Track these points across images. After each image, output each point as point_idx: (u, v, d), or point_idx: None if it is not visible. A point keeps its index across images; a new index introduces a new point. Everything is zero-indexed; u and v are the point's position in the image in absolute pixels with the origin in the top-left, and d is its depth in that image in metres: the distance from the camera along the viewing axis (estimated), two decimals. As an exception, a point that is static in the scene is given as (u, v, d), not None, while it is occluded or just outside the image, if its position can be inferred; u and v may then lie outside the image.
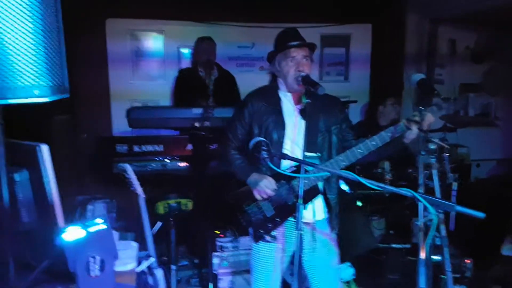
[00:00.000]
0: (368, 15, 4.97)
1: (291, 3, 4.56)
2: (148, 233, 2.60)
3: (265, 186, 2.22)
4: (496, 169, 5.34)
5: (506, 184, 4.09)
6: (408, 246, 3.74)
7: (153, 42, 4.71)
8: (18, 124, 1.74)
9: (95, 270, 1.34)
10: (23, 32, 1.16)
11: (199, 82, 4.23)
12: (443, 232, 1.68)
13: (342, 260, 3.32)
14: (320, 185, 2.30)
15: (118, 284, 1.54)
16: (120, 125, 4.39)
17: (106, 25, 4.48)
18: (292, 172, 2.16)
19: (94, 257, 1.34)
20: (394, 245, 3.73)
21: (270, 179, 2.24)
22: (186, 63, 4.73)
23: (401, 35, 5.11)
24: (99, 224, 1.39)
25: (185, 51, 4.75)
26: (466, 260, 3.56)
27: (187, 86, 4.27)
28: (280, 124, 2.29)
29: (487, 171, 5.30)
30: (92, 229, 1.37)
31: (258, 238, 2.31)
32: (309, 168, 2.11)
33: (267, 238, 2.27)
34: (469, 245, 3.62)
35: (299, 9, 4.58)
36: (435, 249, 1.70)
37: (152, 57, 4.71)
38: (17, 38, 1.17)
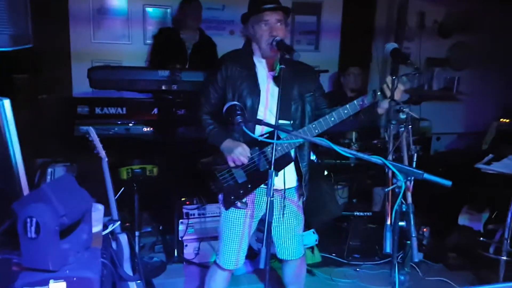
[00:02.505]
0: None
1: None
2: (111, 198, 2.53)
3: (240, 154, 2.19)
4: (456, 143, 5.54)
5: (464, 156, 4.24)
6: (369, 214, 3.85)
7: (117, -1, 4.49)
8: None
9: (31, 231, 1.26)
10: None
11: (178, 44, 4.10)
12: (409, 199, 1.71)
13: (307, 227, 3.40)
14: (292, 152, 2.29)
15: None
16: (81, 86, 4.19)
17: (67, -21, 4.21)
18: (265, 139, 2.14)
19: (30, 218, 1.26)
20: (357, 213, 3.82)
21: (245, 146, 2.20)
22: (151, 23, 4.54)
23: (372, 6, 5.11)
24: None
25: (150, 9, 4.55)
26: (423, 229, 3.72)
27: (165, 47, 4.13)
28: (255, 91, 2.24)
29: (446, 144, 5.49)
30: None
31: (229, 204, 2.29)
32: (282, 135, 2.10)
33: (238, 204, 2.26)
34: (426, 214, 3.76)
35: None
36: (400, 215, 1.73)
37: (115, 15, 4.49)
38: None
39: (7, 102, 1.34)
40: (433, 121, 4.93)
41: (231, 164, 2.24)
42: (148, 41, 4.47)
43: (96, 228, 1.60)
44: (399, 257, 3.21)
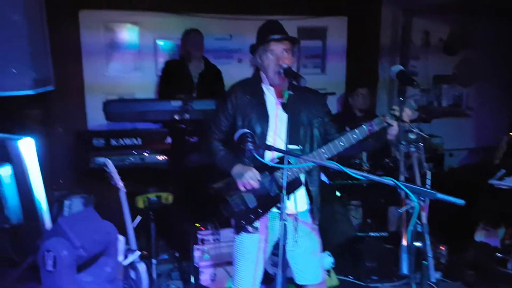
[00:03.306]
0: (344, 8, 5.01)
1: (268, -5, 4.57)
2: (130, 228, 2.58)
3: (250, 178, 2.23)
4: (468, 158, 5.51)
5: (477, 172, 4.22)
6: (385, 234, 3.83)
7: (128, 33, 4.61)
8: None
9: (48, 264, 1.29)
10: (7, 26, 1.12)
11: (184, 74, 4.19)
12: (424, 219, 1.72)
13: (322, 249, 3.39)
14: (302, 177, 2.33)
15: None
16: (95, 118, 4.30)
17: (79, 16, 4.36)
18: (276, 163, 2.18)
19: (48, 251, 1.29)
20: (372, 234, 3.81)
21: (255, 170, 2.25)
22: (162, 55, 4.66)
23: (376, 27, 5.18)
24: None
25: (161, 43, 4.68)
26: (441, 247, 3.69)
27: (173, 78, 4.22)
28: (264, 117, 2.30)
29: (459, 160, 5.46)
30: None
31: (240, 229, 2.32)
32: (292, 160, 2.15)
33: (249, 229, 2.28)
34: (443, 232, 3.73)
35: (276, 1, 4.58)
36: (416, 235, 1.73)
37: (127, 49, 4.62)
38: (1, 32, 1.13)
39: (30, 141, 1.40)
40: (445, 138, 4.93)
41: (242, 189, 2.27)
42: (160, 73, 4.56)
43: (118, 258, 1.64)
44: (417, 278, 3.19)
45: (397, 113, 2.08)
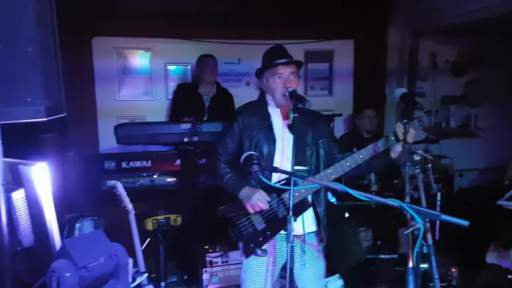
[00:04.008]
0: (350, 31, 5.09)
1: (275, 21, 4.66)
2: (138, 250, 2.60)
3: (258, 199, 2.25)
4: (478, 179, 5.47)
5: (488, 193, 4.18)
6: (395, 256, 3.79)
7: (140, 59, 4.74)
8: (4, 143, 1.75)
9: (53, 285, 1.30)
10: (21, 56, 1.19)
11: (196, 98, 4.27)
12: (430, 240, 1.73)
13: (332, 271, 3.36)
14: (309, 198, 2.34)
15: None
16: (106, 142, 4.39)
17: (92, 43, 4.50)
18: (282, 185, 2.21)
19: (53, 272, 1.31)
20: (382, 256, 3.77)
21: (263, 192, 2.26)
22: (173, 80, 4.77)
23: (383, 49, 5.24)
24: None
25: (172, 67, 4.79)
26: (452, 269, 3.63)
27: (184, 101, 4.29)
28: (271, 139, 2.34)
29: (469, 180, 5.42)
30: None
31: (249, 252, 2.33)
32: (299, 181, 2.17)
33: (258, 252, 2.29)
34: (454, 254, 3.69)
35: (283, 26, 4.68)
36: (422, 257, 1.74)
37: (138, 74, 4.73)
38: (14, 60, 1.20)
39: (42, 165, 1.45)
40: (454, 158, 4.92)
41: (250, 211, 2.29)
42: (170, 97, 4.64)
43: (125, 280, 1.66)
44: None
45: (401, 130, 2.11)
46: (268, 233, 2.31)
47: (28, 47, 1.21)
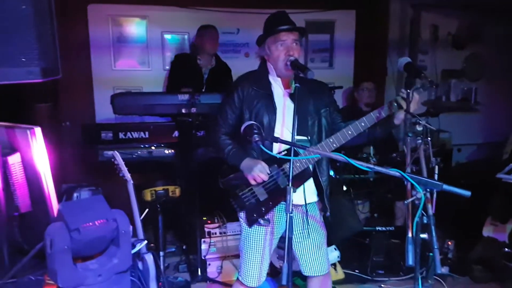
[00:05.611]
0: (352, 1, 4.99)
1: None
2: (137, 219, 2.60)
3: (259, 171, 2.22)
4: (477, 154, 5.48)
5: (486, 167, 4.19)
6: (391, 228, 3.82)
7: (136, 27, 4.64)
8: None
9: (48, 247, 1.28)
10: (16, 17, 1.14)
11: (195, 70, 4.19)
12: (430, 210, 1.72)
13: (328, 243, 3.39)
14: (311, 168, 2.33)
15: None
16: (102, 112, 4.34)
17: (87, 10, 4.39)
18: (283, 155, 2.18)
19: (48, 235, 1.29)
20: (378, 228, 3.80)
21: (264, 163, 2.24)
22: (170, 49, 4.68)
23: (384, 22, 5.16)
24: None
25: (169, 36, 4.70)
26: (448, 242, 3.67)
27: (182, 72, 4.21)
28: (271, 108, 2.30)
29: (467, 155, 5.43)
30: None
31: (252, 222, 2.33)
32: (300, 151, 2.15)
33: (261, 221, 2.29)
34: (451, 227, 3.72)
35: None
36: (422, 227, 1.73)
37: (135, 43, 4.64)
38: (6, 18, 1.15)
39: (38, 130, 1.42)
40: (453, 133, 4.91)
41: (252, 182, 2.27)
42: (167, 67, 4.56)
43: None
44: (423, 271, 3.19)
45: (403, 98, 2.08)
46: (270, 203, 2.31)
47: (22, 5, 1.16)
